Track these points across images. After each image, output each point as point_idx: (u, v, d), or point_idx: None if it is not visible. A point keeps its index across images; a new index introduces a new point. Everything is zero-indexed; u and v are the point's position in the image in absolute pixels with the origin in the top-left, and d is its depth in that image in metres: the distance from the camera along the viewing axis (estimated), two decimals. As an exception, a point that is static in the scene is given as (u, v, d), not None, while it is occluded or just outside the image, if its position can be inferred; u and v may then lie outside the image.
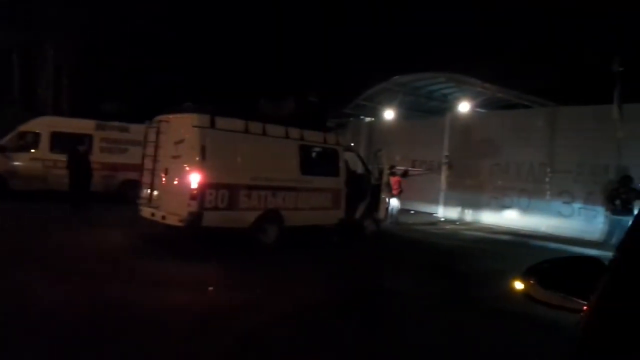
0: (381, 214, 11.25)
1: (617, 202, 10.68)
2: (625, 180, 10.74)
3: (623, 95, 11.03)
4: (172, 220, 7.88)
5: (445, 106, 17.25)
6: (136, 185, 9.40)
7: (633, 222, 0.94)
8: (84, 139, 11.97)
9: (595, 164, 12.12)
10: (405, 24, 23.70)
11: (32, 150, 12.67)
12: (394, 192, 12.96)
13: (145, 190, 8.79)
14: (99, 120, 13.47)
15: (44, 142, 12.67)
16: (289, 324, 5.14)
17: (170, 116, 8.63)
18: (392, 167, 12.78)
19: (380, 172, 11.25)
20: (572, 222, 12.61)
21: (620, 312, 0.85)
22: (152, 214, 8.37)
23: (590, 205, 12.12)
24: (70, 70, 21.59)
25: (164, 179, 8.40)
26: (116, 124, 13.67)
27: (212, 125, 8.01)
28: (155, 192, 8.58)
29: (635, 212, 10.29)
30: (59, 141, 12.64)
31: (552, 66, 18.92)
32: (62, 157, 12.20)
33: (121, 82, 21.79)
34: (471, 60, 17.33)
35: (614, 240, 10.67)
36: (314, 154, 10.18)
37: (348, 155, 10.70)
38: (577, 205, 12.61)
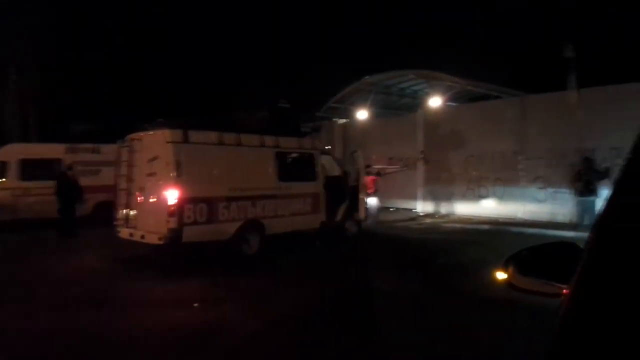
0: (361, 214, 11.29)
1: (578, 184, 11.04)
2: (586, 161, 11.10)
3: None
4: (152, 239, 7.76)
5: (417, 102, 17.48)
6: (110, 206, 9.20)
7: (605, 202, 0.97)
8: (57, 162, 11.80)
9: (564, 148, 12.41)
10: (377, 24, 23.97)
11: (1, 180, 12.31)
12: (369, 190, 13.02)
13: (121, 211, 8.64)
14: (69, 143, 13.20)
15: (13, 170, 12.33)
16: (280, 332, 5.11)
17: (142, 134, 8.51)
18: (367, 166, 12.85)
19: (358, 173, 11.30)
20: (547, 207, 12.92)
21: (597, 295, 0.87)
22: (131, 234, 8.24)
23: (564, 188, 12.42)
24: (36, 94, 21.04)
25: (140, 198, 8.27)
26: (87, 145, 13.40)
27: (186, 139, 7.93)
28: (132, 212, 8.44)
29: (599, 192, 10.64)
30: (29, 168, 12.34)
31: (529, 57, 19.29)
32: (34, 185, 12.01)
33: (90, 102, 21.38)
34: (444, 55, 17.57)
35: (586, 220, 11.00)
36: (290, 160, 10.16)
37: (325, 159, 10.72)
38: (550, 190, 12.92)
